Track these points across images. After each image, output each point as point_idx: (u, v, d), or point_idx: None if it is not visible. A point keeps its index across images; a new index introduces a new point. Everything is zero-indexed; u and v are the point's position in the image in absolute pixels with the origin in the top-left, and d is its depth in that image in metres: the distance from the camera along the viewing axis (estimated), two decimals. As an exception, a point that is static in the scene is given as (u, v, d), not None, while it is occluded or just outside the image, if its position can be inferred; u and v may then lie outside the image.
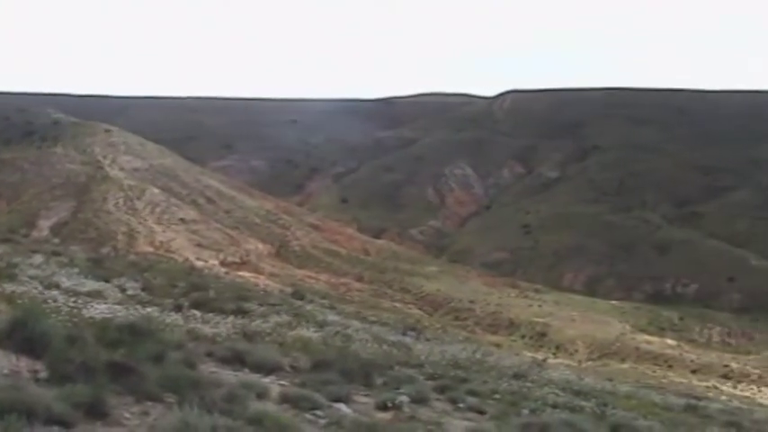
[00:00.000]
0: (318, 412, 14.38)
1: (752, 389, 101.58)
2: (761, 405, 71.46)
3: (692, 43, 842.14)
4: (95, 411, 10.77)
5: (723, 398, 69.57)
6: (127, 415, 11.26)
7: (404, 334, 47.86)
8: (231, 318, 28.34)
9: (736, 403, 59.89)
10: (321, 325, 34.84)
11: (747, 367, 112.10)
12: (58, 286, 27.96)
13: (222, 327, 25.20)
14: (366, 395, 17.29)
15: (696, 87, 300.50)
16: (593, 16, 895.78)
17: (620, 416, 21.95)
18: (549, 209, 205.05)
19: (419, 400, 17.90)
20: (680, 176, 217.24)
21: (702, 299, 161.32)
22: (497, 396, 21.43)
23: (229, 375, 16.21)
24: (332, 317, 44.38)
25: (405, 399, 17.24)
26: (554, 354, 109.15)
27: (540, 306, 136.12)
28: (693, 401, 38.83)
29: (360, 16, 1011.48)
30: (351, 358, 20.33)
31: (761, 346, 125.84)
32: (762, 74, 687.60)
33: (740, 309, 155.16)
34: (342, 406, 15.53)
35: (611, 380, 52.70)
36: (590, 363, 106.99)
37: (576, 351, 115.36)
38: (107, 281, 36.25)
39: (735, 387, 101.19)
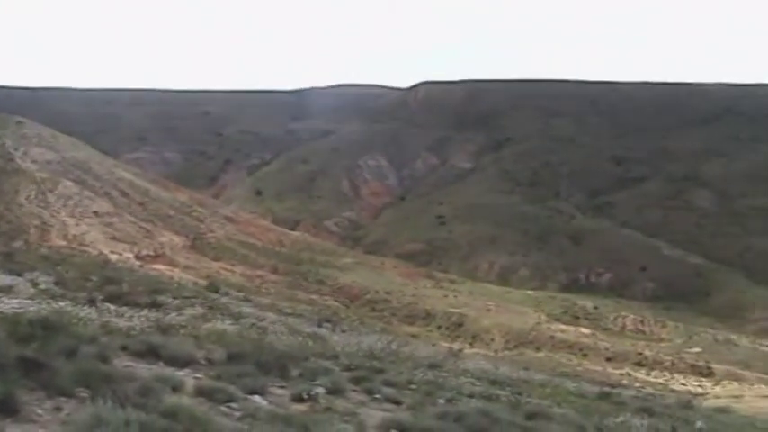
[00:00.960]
0: (234, 405, 14.20)
1: (665, 375, 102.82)
2: (673, 391, 72.46)
3: (604, 35, 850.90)
4: (6, 408, 10.46)
5: (637, 385, 70.36)
6: (39, 411, 10.97)
7: (319, 325, 47.79)
8: (146, 311, 27.95)
9: (649, 390, 60.60)
10: (236, 317, 34.58)
11: (660, 354, 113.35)
12: (-33, 281, 27.35)
13: (136, 320, 24.82)
14: (282, 387, 17.10)
15: (609, 79, 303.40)
16: (506, 8, 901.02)
17: (534, 404, 22.01)
18: (464, 200, 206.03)
19: (335, 391, 17.83)
20: (593, 167, 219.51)
21: (616, 288, 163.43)
22: (413, 386, 21.33)
23: (144, 369, 15.88)
24: (247, 309, 44.15)
25: (321, 390, 17.19)
26: (470, 344, 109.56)
27: (455, 296, 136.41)
28: (607, 389, 39.15)
29: (273, 7, 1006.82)
30: (266, 350, 20.11)
31: (673, 334, 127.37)
32: (673, 66, 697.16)
33: (653, 297, 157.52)
34: (257, 398, 15.36)
35: (526, 369, 53.02)
36: (506, 352, 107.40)
37: (493, 341, 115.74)
38: (19, 275, 35.63)
39: (648, 374, 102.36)
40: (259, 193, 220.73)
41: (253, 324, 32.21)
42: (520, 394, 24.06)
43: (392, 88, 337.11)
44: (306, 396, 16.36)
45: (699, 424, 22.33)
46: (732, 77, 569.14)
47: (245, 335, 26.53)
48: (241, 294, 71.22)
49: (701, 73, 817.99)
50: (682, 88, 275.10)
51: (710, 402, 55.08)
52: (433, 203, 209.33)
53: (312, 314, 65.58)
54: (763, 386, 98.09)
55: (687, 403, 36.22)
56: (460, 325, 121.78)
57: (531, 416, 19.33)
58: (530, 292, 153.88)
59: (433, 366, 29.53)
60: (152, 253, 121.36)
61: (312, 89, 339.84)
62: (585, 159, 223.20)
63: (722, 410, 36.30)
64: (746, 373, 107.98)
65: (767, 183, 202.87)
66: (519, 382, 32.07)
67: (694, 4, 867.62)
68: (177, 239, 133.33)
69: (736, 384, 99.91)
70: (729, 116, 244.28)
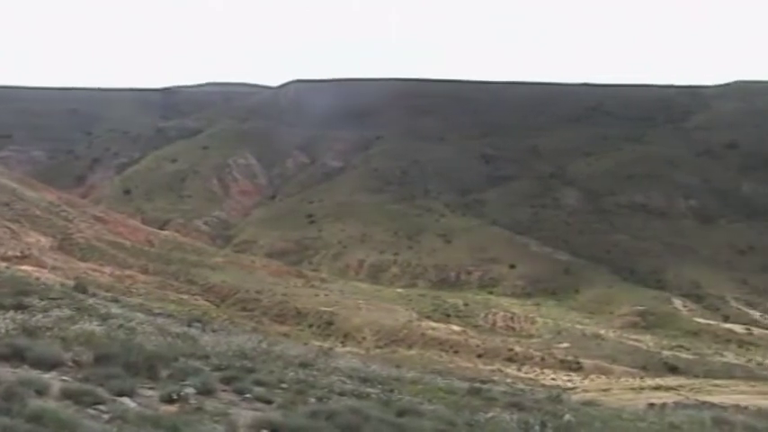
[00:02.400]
0: (101, 407, 13.85)
1: (535, 371, 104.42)
2: (544, 386, 73.23)
3: (473, 34, 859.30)
4: None
5: (508, 380, 70.90)
6: None
7: (189, 325, 47.05)
8: (11, 313, 27.09)
9: (520, 385, 61.10)
10: (104, 318, 33.75)
11: (530, 350, 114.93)
12: None
13: (1, 322, 24.08)
14: (151, 388, 16.75)
15: (478, 78, 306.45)
16: (377, 7, 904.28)
17: (406, 401, 21.93)
18: (334, 198, 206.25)
19: (205, 391, 17.51)
20: (462, 165, 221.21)
21: (486, 285, 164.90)
22: (284, 385, 21.09)
23: (8, 372, 15.42)
24: (115, 310, 43.16)
25: (190, 390, 16.90)
26: (342, 342, 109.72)
27: (326, 295, 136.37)
28: (478, 384, 39.21)
29: (143, 3, 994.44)
30: (135, 351, 19.64)
31: (543, 330, 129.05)
32: (542, 66, 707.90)
33: (522, 294, 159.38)
34: (126, 400, 15.00)
35: (398, 366, 52.96)
36: (378, 350, 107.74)
37: (364, 339, 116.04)
38: None
39: (519, 369, 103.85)
40: (128, 192, 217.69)
41: (121, 325, 31.47)
42: (391, 391, 23.94)
43: (262, 87, 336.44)
44: (175, 397, 16.02)
45: (567, 417, 22.42)
46: (598, 78, 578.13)
47: (114, 336, 25.95)
48: (110, 295, 69.91)
49: (568, 73, 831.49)
50: (549, 88, 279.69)
51: (579, 396, 55.70)
52: (304, 202, 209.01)
53: (182, 314, 64.69)
54: (630, 379, 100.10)
55: (556, 397, 36.42)
56: (331, 324, 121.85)
57: (402, 413, 19.24)
58: (400, 290, 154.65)
59: (303, 365, 29.25)
60: (18, 254, 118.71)
61: (182, 87, 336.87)
62: (455, 158, 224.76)
63: (590, 403, 36.59)
64: (614, 366, 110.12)
65: (633, 181, 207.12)
66: (390, 379, 31.90)
67: (562, 6, 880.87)
68: (45, 240, 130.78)
69: (604, 378, 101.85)
70: (596, 116, 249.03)
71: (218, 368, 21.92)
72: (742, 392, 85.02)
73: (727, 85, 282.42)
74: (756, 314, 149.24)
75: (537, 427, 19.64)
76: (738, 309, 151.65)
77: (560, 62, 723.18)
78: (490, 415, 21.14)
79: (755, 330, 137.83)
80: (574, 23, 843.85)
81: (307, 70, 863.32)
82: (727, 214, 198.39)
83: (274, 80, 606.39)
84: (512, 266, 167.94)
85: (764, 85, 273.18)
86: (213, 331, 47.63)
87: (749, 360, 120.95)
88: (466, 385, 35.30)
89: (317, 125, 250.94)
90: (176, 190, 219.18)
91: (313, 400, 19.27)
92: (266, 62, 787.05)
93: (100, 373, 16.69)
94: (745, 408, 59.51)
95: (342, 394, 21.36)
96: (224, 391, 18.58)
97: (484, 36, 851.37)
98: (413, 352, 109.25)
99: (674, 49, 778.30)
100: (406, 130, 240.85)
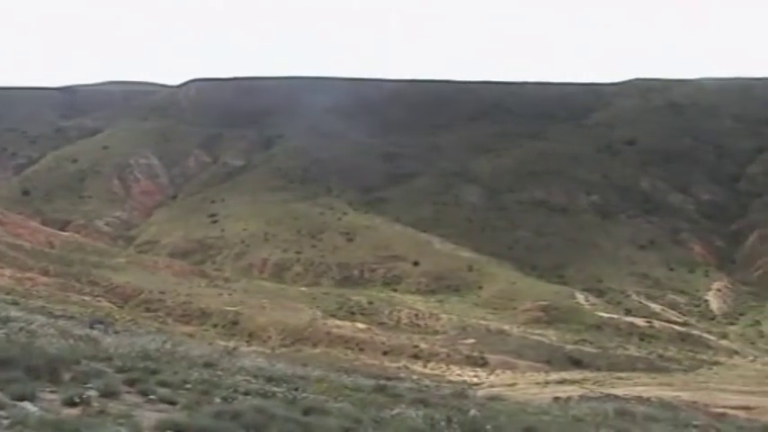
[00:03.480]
0: (1, 412, 13.52)
1: (441, 367, 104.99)
2: (450, 382, 73.50)
3: (373, 33, 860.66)
4: None
5: (414, 377, 71.15)
6: None
7: (91, 327, 46.44)
8: None
9: (426, 381, 61.23)
10: (4, 322, 33.04)
11: (436, 347, 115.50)
12: None
13: None
14: (53, 392, 16.47)
15: (379, 77, 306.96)
16: (273, 4, 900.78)
17: (311, 399, 21.88)
18: (236, 197, 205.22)
19: (108, 393, 17.35)
20: (364, 163, 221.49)
21: (390, 282, 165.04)
22: (189, 386, 20.85)
23: None
24: (15, 313, 42.32)
25: (93, 393, 16.74)
26: (247, 342, 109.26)
27: (230, 295, 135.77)
28: (384, 382, 39.20)
29: (42, 1, 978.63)
30: (35, 355, 19.21)
31: (447, 326, 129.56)
32: (444, 64, 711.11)
33: (427, 291, 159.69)
34: (27, 404, 14.70)
35: (304, 365, 52.76)
36: (283, 349, 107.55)
37: (269, 338, 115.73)
38: None
39: (425, 366, 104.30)
40: (27, 193, 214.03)
41: (21, 328, 30.81)
42: (296, 390, 23.85)
43: (163, 85, 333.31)
44: (78, 400, 15.78)
45: (473, 412, 22.51)
46: (499, 76, 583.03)
47: (14, 340, 25.35)
48: (9, 298, 68.75)
49: (469, 71, 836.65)
50: (451, 86, 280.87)
51: (485, 391, 56.03)
52: (206, 201, 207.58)
53: (84, 316, 63.89)
54: (535, 373, 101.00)
55: (462, 393, 36.59)
56: (236, 323, 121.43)
57: (307, 411, 19.25)
58: (304, 288, 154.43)
59: (208, 365, 28.96)
60: None
61: (82, 86, 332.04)
62: (357, 156, 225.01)
63: (496, 398, 36.77)
64: (519, 361, 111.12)
65: (533, 177, 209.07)
66: (296, 378, 31.75)
67: (463, 4, 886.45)
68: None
69: (509, 373, 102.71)
70: (496, 113, 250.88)
71: (121, 370, 21.61)
72: (644, 384, 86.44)
73: (626, 82, 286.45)
74: (657, 307, 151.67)
75: (443, 423, 19.71)
76: (639, 302, 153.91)
77: (461, 60, 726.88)
78: (396, 411, 21.17)
79: (656, 323, 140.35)
80: (474, 21, 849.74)
81: (207, 68, 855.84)
82: (627, 209, 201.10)
83: (175, 79, 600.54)
84: (415, 264, 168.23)
85: (662, 83, 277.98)
86: (116, 333, 47.02)
87: (651, 352, 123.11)
88: (372, 382, 35.27)
89: (219, 124, 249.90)
90: (77, 190, 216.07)
91: (218, 400, 19.14)
92: (167, 60, 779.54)
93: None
94: (648, 399, 60.58)
95: (247, 394, 21.24)
96: (128, 392, 18.38)
97: (384, 33, 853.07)
98: (318, 350, 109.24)
99: (574, 48, 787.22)
100: (308, 128, 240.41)
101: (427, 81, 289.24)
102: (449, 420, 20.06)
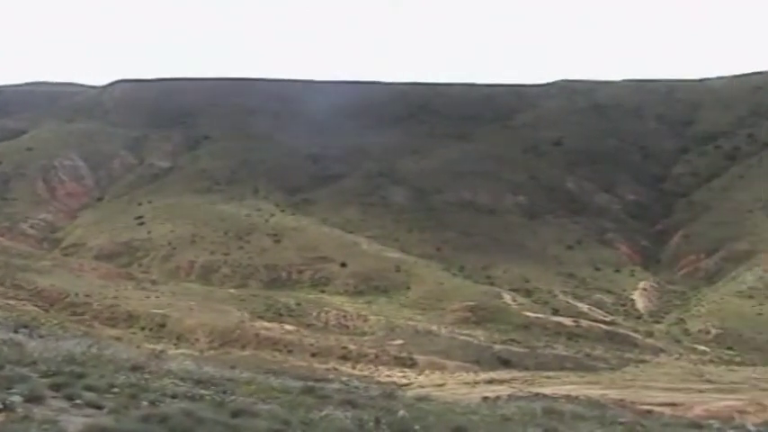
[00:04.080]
0: None
1: (370, 368, 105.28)
2: (379, 383, 73.22)
3: (299, 34, 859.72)
4: None
5: (343, 378, 70.73)
6: None
7: (15, 331, 45.62)
8: None
9: (355, 383, 60.93)
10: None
11: (364, 348, 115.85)
12: None
13: None
14: (-25, 398, 15.90)
15: (305, 77, 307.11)
16: (200, 6, 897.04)
17: (240, 401, 21.76)
18: (162, 199, 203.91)
19: (33, 398, 17.17)
20: (291, 165, 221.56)
21: (317, 284, 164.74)
22: (116, 390, 20.50)
23: None
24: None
25: (17, 398, 16.54)
26: (175, 344, 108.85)
27: (157, 297, 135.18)
28: (312, 383, 38.89)
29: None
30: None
31: (376, 327, 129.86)
32: (370, 65, 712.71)
33: (354, 292, 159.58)
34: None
35: (233, 367, 52.31)
36: (212, 351, 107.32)
37: (198, 340, 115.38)
38: None
39: (354, 367, 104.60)
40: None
41: (-57, 334, 30.15)
42: (225, 393, 23.59)
43: (87, 86, 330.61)
44: (1, 406, 15.58)
45: (401, 413, 22.48)
46: (425, 77, 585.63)
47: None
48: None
49: (395, 73, 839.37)
50: (377, 87, 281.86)
51: (415, 392, 55.98)
52: (132, 203, 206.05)
53: (9, 320, 62.77)
54: (463, 374, 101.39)
55: (390, 394, 36.40)
56: (164, 326, 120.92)
57: (236, 413, 19.16)
58: (232, 290, 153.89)
59: (135, 369, 28.48)
60: None
61: (4, 87, 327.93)
62: (283, 157, 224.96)
63: (424, 399, 36.62)
64: (448, 361, 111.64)
65: (460, 178, 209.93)
66: (224, 380, 31.37)
67: (387, 6, 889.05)
68: None
69: (438, 373, 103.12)
70: (423, 114, 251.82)
71: (46, 374, 21.27)
72: (572, 383, 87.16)
73: (551, 84, 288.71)
74: (584, 307, 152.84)
75: (371, 424, 19.78)
76: (567, 302, 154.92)
77: (388, 62, 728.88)
78: (325, 413, 21.11)
79: (584, 323, 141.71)
80: (401, 23, 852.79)
81: (132, 70, 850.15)
82: (554, 210, 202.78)
83: (100, 79, 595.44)
84: (343, 265, 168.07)
85: (587, 84, 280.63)
86: (41, 337, 46.22)
87: (578, 351, 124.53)
88: (300, 384, 34.99)
89: (144, 125, 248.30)
90: (0, 192, 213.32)
91: (145, 403, 18.93)
92: (91, 61, 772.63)
93: None
94: (576, 397, 60.97)
95: (174, 397, 20.99)
96: (53, 397, 18.16)
97: (311, 34, 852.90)
98: (247, 352, 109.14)
99: (499, 50, 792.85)
100: (234, 129, 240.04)
101: (354, 82, 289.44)
102: (377, 421, 20.05)
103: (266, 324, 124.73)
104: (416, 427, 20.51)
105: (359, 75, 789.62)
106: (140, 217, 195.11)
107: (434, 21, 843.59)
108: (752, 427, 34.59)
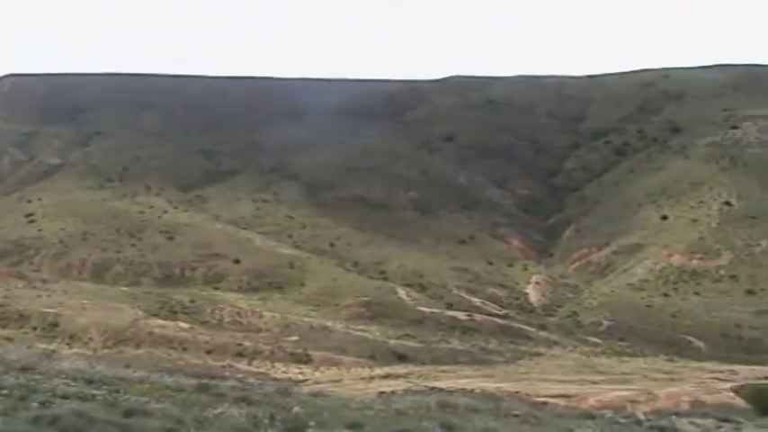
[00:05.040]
0: None
1: (266, 364, 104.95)
2: (275, 379, 73.29)
3: (192, 31, 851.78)
4: None
5: (239, 375, 70.48)
6: None
7: None
8: None
9: (251, 380, 60.64)
10: None
11: (259, 344, 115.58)
12: None
13: None
14: None
15: (198, 74, 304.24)
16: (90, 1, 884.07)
17: (132, 401, 21.47)
18: (53, 196, 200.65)
19: None
20: (183, 161, 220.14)
21: (211, 281, 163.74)
22: (5, 391, 20.10)
23: None
24: None
25: None
26: (68, 344, 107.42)
27: (49, 296, 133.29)
28: (206, 381, 38.61)
29: None
30: None
31: (271, 324, 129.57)
32: (262, 61, 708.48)
33: (249, 289, 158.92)
34: None
35: (127, 366, 51.71)
36: (106, 351, 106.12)
37: (91, 339, 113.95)
38: None
39: (249, 364, 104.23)
40: None
41: None
42: (117, 392, 23.25)
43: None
44: None
45: (296, 409, 22.47)
46: (318, 73, 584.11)
47: None
48: None
49: (287, 68, 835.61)
50: (269, 83, 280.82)
51: (310, 388, 55.89)
52: (22, 201, 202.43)
53: None
54: (360, 369, 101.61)
55: (285, 390, 36.28)
56: (56, 325, 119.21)
57: (128, 413, 18.89)
58: (125, 288, 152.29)
59: (25, 369, 27.96)
60: None
61: None
62: (176, 154, 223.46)
63: (319, 395, 36.55)
64: (343, 357, 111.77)
65: (353, 174, 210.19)
66: (116, 380, 30.95)
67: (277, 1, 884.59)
68: None
69: (334, 369, 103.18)
70: (316, 110, 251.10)
71: None
72: (468, 377, 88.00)
73: (445, 80, 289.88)
74: (478, 301, 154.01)
75: (266, 421, 19.81)
76: (460, 296, 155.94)
77: (280, 57, 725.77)
78: (219, 411, 20.99)
79: (477, 317, 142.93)
80: (293, 18, 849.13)
81: (22, 64, 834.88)
82: (447, 205, 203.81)
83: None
84: (236, 261, 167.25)
85: (479, 80, 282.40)
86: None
87: (473, 345, 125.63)
88: (194, 382, 34.72)
89: (34, 121, 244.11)
90: None
91: (35, 405, 18.55)
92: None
93: None
94: (471, 391, 61.41)
95: (66, 397, 20.62)
96: None
97: (203, 30, 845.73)
98: (141, 351, 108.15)
99: (394, 45, 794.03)
100: (126, 125, 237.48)
101: (246, 78, 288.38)
102: (272, 418, 20.02)
103: (160, 322, 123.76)
104: (311, 423, 20.48)
105: (250, 70, 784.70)
106: (31, 214, 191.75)
107: (329, 15, 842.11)
108: (642, 416, 35.27)
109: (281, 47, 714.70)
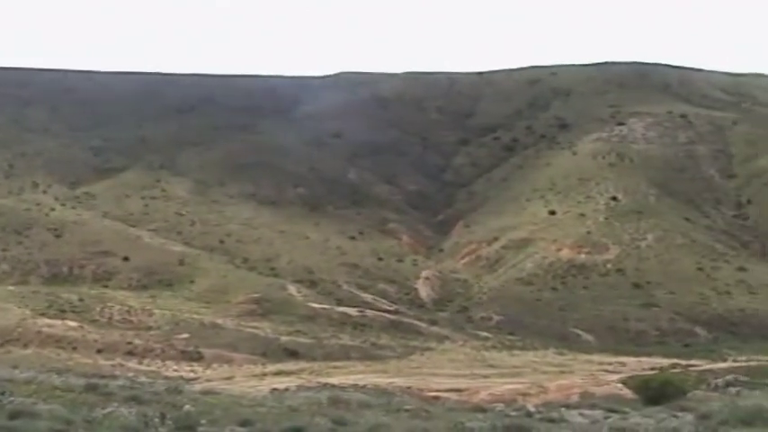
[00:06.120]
0: None
1: (157, 363, 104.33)
2: (166, 378, 72.87)
3: (83, 23, 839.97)
4: None
5: (130, 374, 70.01)
6: None
7: None
8: None
9: (142, 378, 60.35)
10: None
11: (150, 343, 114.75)
12: None
13: None
14: None
15: (85, 68, 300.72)
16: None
17: (18, 402, 21.24)
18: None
19: None
20: (70, 157, 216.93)
21: (100, 279, 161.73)
22: None
23: None
24: None
25: None
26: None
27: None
28: (95, 381, 38.33)
29: None
30: None
31: (161, 322, 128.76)
32: (150, 56, 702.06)
33: (138, 286, 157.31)
34: None
35: (15, 367, 51.08)
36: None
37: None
38: None
39: (141, 363, 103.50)
40: None
41: None
42: (3, 394, 22.99)
43: None
44: None
45: (187, 407, 22.56)
46: (206, 69, 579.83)
47: None
48: None
49: (176, 63, 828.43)
50: (157, 78, 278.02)
51: (202, 386, 55.83)
52: None
53: None
54: (252, 366, 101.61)
55: (176, 389, 36.28)
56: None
57: (15, 415, 18.82)
58: (11, 287, 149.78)
59: None
60: None
61: None
62: (63, 150, 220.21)
63: (210, 392, 36.62)
64: (235, 354, 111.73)
65: (242, 171, 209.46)
66: (2, 381, 30.63)
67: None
68: None
69: (226, 366, 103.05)
70: (204, 106, 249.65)
71: None
72: (360, 372, 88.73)
73: (334, 75, 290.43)
74: (368, 297, 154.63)
75: (156, 420, 19.94)
76: (351, 292, 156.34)
77: (168, 52, 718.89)
78: (108, 410, 20.94)
79: (369, 312, 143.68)
80: (182, 13, 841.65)
81: None
82: (336, 201, 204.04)
83: None
84: (125, 259, 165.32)
85: (368, 76, 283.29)
86: None
87: (364, 341, 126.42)
88: (83, 382, 34.47)
89: None
90: None
91: None
92: None
93: None
94: (364, 386, 61.87)
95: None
96: None
97: (91, 25, 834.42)
98: (29, 351, 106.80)
99: (281, 41, 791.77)
100: (11, 120, 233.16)
101: (134, 73, 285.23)
102: (163, 417, 20.07)
103: (48, 321, 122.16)
104: (203, 421, 20.61)
105: (138, 65, 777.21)
106: None
107: (220, 10, 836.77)
108: (532, 409, 35.95)
109: (170, 42, 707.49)
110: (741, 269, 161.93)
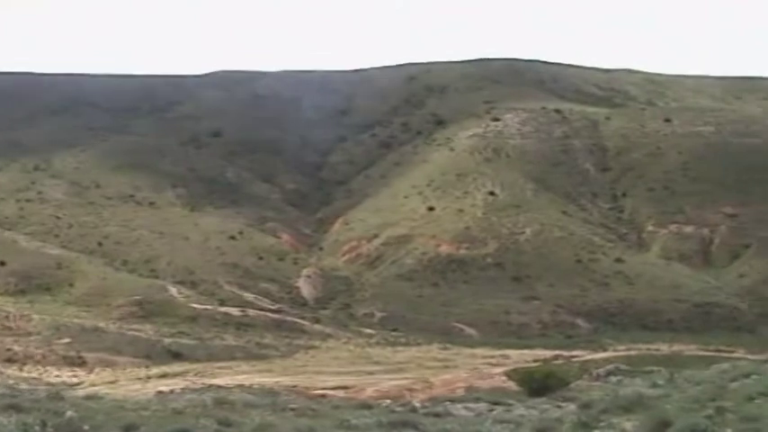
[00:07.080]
0: None
1: (38, 369, 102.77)
2: (49, 384, 72.22)
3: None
4: None
5: (10, 382, 69.14)
6: None
7: None
8: None
9: (23, 385, 59.82)
10: None
11: (30, 348, 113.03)
12: None
13: None
14: None
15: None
16: None
17: None
18: None
19: None
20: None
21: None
22: None
23: None
24: None
25: None
26: None
27: None
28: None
29: None
30: None
31: (41, 327, 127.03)
32: (22, 56, 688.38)
33: (16, 291, 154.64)
34: None
35: None
36: None
37: None
38: None
39: (21, 369, 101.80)
40: None
41: None
42: None
43: None
44: None
45: (69, 414, 22.51)
46: (79, 68, 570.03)
47: None
48: None
49: (48, 63, 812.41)
50: (29, 78, 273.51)
51: (85, 391, 55.53)
52: None
53: None
54: (135, 369, 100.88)
55: (57, 395, 36.14)
56: None
57: None
58: None
59: None
60: None
61: None
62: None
63: (93, 397, 36.58)
64: (118, 358, 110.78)
65: (119, 172, 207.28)
66: None
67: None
68: None
69: (110, 370, 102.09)
70: (79, 107, 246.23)
71: None
72: (245, 372, 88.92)
73: (210, 74, 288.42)
74: (250, 296, 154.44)
75: (37, 428, 19.82)
76: (233, 292, 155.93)
77: (41, 52, 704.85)
78: None
79: (251, 312, 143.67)
80: (48, 12, 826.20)
81: None
82: (215, 201, 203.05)
83: None
84: (1, 264, 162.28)
85: (245, 75, 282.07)
86: None
87: (248, 341, 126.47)
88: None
89: None
90: None
91: None
92: None
93: None
94: (250, 386, 62.12)
95: None
96: None
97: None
98: None
99: (155, 40, 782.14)
100: None
101: (4, 73, 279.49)
102: (43, 424, 20.06)
103: None
104: (85, 427, 20.62)
105: (8, 65, 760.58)
106: None
107: (96, 8, 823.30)
108: (418, 404, 36.85)
109: (42, 42, 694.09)
110: (618, 260, 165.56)
